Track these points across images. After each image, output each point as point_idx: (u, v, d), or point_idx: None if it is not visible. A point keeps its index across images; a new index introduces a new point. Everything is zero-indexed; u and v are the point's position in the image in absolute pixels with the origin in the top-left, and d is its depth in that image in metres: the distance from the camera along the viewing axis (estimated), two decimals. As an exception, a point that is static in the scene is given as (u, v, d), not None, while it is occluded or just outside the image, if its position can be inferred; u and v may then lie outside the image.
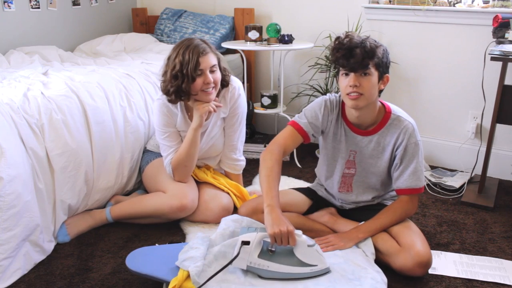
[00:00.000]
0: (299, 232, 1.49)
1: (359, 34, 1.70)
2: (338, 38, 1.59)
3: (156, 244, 1.81)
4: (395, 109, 1.72)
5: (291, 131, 1.73)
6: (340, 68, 1.60)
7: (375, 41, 1.59)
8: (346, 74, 1.59)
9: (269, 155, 1.66)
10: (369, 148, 1.73)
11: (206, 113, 1.89)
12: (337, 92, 1.81)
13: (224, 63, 2.00)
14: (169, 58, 1.88)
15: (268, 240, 1.47)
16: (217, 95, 1.97)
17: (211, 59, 1.86)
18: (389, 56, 1.63)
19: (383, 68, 1.60)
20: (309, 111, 1.75)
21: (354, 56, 1.53)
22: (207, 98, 1.89)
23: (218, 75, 1.90)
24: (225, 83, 2.00)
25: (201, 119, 1.89)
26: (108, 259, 1.76)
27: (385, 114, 1.70)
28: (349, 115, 1.72)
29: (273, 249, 1.49)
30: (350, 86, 1.57)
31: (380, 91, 1.65)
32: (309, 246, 1.48)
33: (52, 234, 1.82)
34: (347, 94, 1.60)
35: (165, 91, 1.89)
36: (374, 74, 1.58)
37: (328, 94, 1.78)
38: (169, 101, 1.91)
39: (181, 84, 1.84)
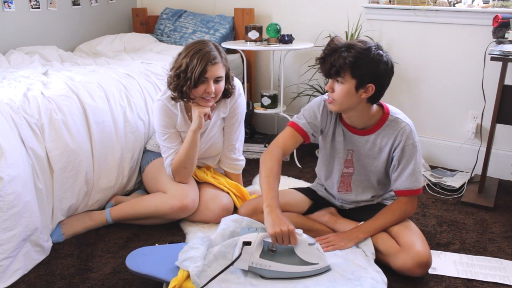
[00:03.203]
0: (299, 231, 1.49)
1: (355, 36, 1.69)
2: (332, 40, 1.61)
3: (156, 244, 1.81)
4: (393, 110, 1.72)
5: (291, 131, 1.74)
6: None
7: (362, 49, 1.52)
8: None
9: (268, 156, 1.67)
10: (365, 148, 1.73)
11: (203, 115, 1.88)
12: None
13: (231, 72, 1.97)
14: (179, 55, 1.88)
15: (269, 240, 1.48)
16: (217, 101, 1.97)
17: (219, 69, 1.84)
18: (385, 65, 1.55)
19: (367, 77, 1.54)
20: (307, 111, 1.75)
21: (325, 65, 1.58)
22: (205, 105, 1.89)
23: (221, 86, 1.89)
24: (228, 94, 1.98)
25: (200, 120, 1.88)
26: (108, 259, 1.76)
27: (383, 115, 1.70)
28: (343, 116, 1.73)
29: (274, 248, 1.49)
30: (327, 89, 1.62)
31: (372, 99, 1.60)
32: (310, 244, 1.48)
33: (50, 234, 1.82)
34: None
35: (168, 86, 1.90)
36: (350, 82, 1.55)
37: (326, 93, 1.78)
38: (172, 98, 1.91)
39: (182, 85, 1.84)
